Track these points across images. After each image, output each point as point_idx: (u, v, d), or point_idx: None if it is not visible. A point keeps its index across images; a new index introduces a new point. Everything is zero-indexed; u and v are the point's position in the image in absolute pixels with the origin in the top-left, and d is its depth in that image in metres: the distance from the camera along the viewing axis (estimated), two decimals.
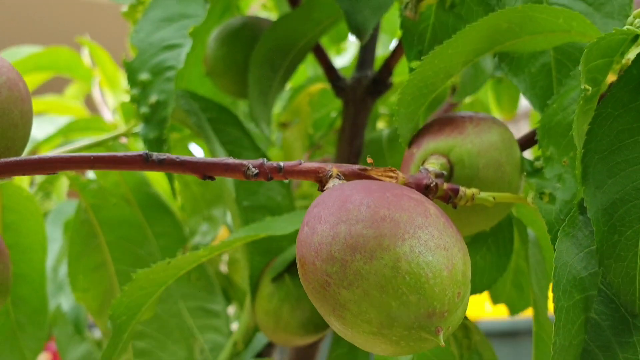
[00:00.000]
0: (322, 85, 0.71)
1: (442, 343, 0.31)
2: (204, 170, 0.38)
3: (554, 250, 0.35)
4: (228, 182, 0.55)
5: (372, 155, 0.68)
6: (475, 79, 0.56)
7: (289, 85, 0.73)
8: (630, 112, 0.36)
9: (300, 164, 0.39)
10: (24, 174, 0.37)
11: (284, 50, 0.63)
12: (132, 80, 0.56)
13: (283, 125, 0.69)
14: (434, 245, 0.31)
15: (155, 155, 0.38)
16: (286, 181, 0.62)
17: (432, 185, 0.39)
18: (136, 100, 0.56)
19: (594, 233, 0.35)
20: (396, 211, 0.32)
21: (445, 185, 0.39)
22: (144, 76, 0.56)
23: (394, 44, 0.90)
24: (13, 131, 0.40)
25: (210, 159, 0.38)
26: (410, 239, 0.31)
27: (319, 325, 0.53)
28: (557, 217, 0.38)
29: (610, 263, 0.35)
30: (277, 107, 0.75)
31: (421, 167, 0.41)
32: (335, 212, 0.33)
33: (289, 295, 0.52)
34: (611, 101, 0.36)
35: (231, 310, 0.85)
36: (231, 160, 0.38)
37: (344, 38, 0.78)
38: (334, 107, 0.77)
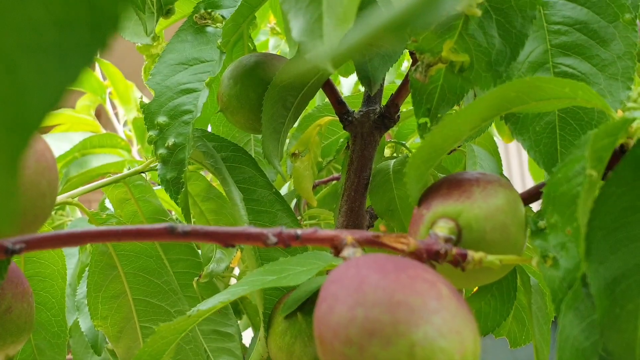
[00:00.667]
0: (331, 117, 0.73)
1: None
2: (227, 240, 0.40)
3: (558, 322, 0.37)
4: (241, 216, 0.57)
5: (380, 186, 0.71)
6: None
7: None
8: (634, 191, 0.38)
9: (316, 231, 0.41)
10: (54, 248, 0.39)
11: (296, 88, 0.65)
12: (150, 123, 0.58)
13: (293, 156, 0.71)
14: (447, 330, 0.34)
15: (180, 227, 0.40)
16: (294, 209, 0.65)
17: (442, 251, 0.41)
18: (154, 142, 0.58)
19: (595, 305, 0.38)
20: (411, 295, 0.34)
21: (454, 251, 0.41)
22: (161, 119, 0.58)
23: (404, 65, 0.92)
24: (42, 201, 0.41)
25: (232, 228, 0.41)
26: (425, 325, 0.33)
27: None
28: (560, 286, 0.40)
29: (612, 334, 0.37)
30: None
31: (431, 232, 0.43)
32: (352, 293, 0.35)
33: (301, 332, 0.55)
34: (615, 180, 0.38)
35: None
36: (252, 229, 0.41)
37: (352, 71, 0.80)
38: (342, 135, 0.79)
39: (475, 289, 0.52)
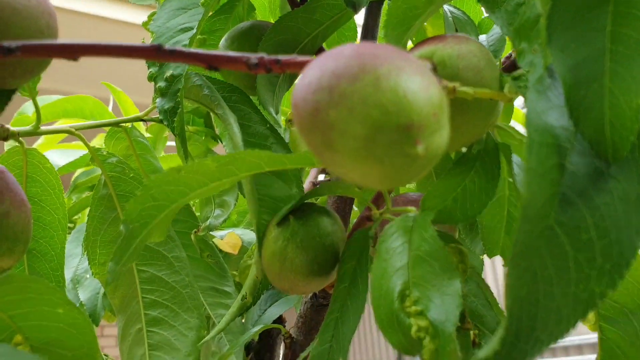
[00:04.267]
0: None
1: (420, 153, 0.34)
2: (210, 62, 0.43)
3: (525, 104, 0.38)
4: (235, 133, 0.59)
5: None
6: None
7: None
8: None
9: (296, 57, 0.43)
10: (47, 56, 0.41)
11: (289, 46, 0.69)
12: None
13: (290, 122, 0.73)
14: (410, 71, 0.35)
15: (167, 46, 0.42)
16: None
17: None
18: (154, 77, 0.61)
19: (563, 93, 0.39)
20: (377, 49, 0.36)
21: None
22: None
23: None
24: (39, 38, 0.45)
25: (215, 51, 0.43)
26: (389, 65, 0.35)
27: (322, 265, 0.55)
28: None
29: (580, 114, 0.38)
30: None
31: None
32: (323, 58, 0.37)
33: (293, 235, 0.55)
34: None
35: None
36: (234, 53, 0.43)
37: None
38: None
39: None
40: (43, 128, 0.60)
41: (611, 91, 0.38)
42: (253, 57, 0.43)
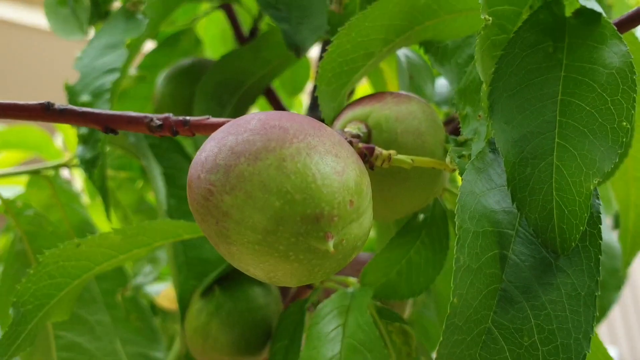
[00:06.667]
0: None
1: (332, 249, 0.28)
2: (106, 122, 0.37)
3: (461, 185, 0.33)
4: (159, 188, 0.53)
5: None
6: None
7: None
8: (539, 53, 0.35)
9: (208, 118, 0.38)
10: None
11: (233, 86, 0.64)
12: (73, 103, 0.56)
13: None
14: (323, 150, 0.30)
15: (57, 105, 0.37)
16: None
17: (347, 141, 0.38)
18: None
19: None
20: (287, 122, 0.31)
21: (361, 145, 0.38)
22: (84, 98, 0.56)
23: None
24: None
25: (112, 111, 0.38)
26: (299, 142, 0.30)
27: (250, 343, 0.49)
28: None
29: (525, 197, 0.33)
30: None
31: (338, 130, 0.40)
32: (225, 129, 0.32)
33: (218, 308, 0.49)
34: (518, 42, 0.35)
35: None
36: (134, 113, 0.38)
37: (299, 90, 0.79)
38: None
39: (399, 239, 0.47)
40: None
41: (559, 171, 0.33)
42: (156, 117, 0.37)
